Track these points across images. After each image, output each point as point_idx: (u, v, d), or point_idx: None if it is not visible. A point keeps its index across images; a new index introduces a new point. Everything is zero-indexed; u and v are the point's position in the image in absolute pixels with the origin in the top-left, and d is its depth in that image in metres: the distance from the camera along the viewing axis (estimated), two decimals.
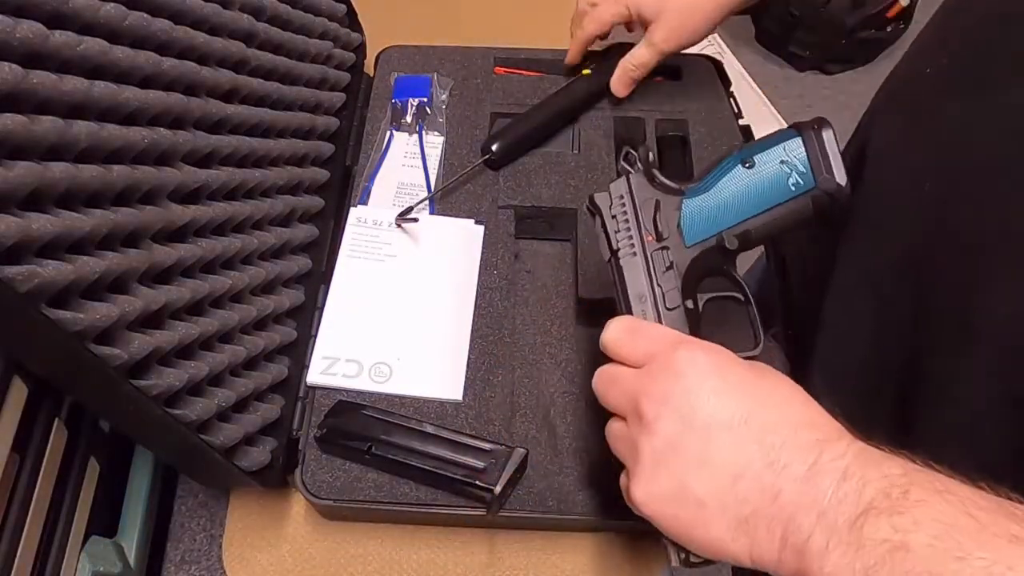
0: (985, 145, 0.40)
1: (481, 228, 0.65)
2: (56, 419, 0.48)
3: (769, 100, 1.65)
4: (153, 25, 0.47)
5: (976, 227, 0.40)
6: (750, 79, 1.67)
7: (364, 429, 0.54)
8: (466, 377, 0.58)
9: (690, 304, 0.45)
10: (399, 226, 0.65)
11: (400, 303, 0.61)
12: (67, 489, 0.49)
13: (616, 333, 0.41)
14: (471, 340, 0.60)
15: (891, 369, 0.47)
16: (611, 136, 0.71)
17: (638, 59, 0.67)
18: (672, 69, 0.76)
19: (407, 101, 0.72)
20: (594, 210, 0.48)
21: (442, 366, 0.58)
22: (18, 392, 0.45)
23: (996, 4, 0.42)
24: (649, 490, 0.36)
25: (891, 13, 1.78)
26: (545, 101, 0.70)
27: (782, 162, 0.47)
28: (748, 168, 0.47)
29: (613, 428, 0.41)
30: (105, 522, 0.53)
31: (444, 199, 0.67)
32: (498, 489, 0.50)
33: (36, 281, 0.36)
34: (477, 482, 0.51)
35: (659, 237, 0.46)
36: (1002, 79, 0.40)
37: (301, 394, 0.57)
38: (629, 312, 0.45)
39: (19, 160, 0.36)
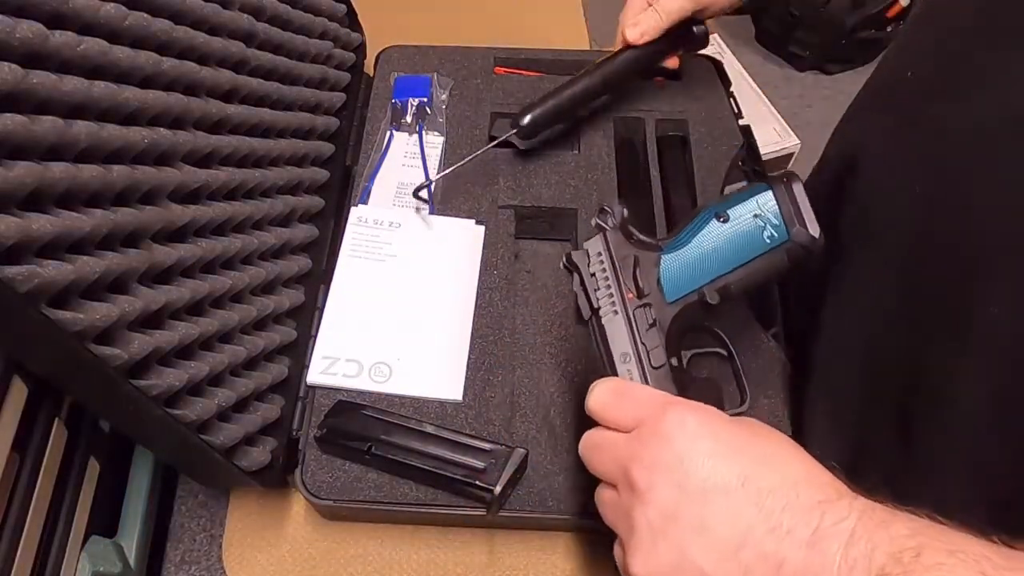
0: (971, 147, 0.40)
1: (481, 228, 0.65)
2: (56, 419, 0.48)
3: (769, 100, 1.65)
4: (153, 25, 0.47)
5: (966, 228, 0.40)
6: (750, 79, 1.67)
7: (364, 429, 0.54)
8: (466, 377, 0.58)
9: (675, 362, 0.44)
10: (416, 196, 0.65)
11: (400, 303, 0.61)
12: (67, 489, 0.49)
13: (602, 396, 0.40)
14: (471, 340, 0.60)
15: (888, 372, 0.47)
16: (611, 136, 0.71)
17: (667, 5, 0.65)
18: (672, 69, 0.76)
19: (407, 101, 0.72)
20: (572, 268, 0.48)
21: (442, 366, 0.58)
22: (18, 392, 0.45)
23: (981, 4, 0.42)
24: (648, 563, 0.35)
25: (891, 13, 1.78)
26: (575, 78, 0.67)
27: (755, 216, 0.47)
28: (723, 222, 0.47)
29: (603, 496, 0.40)
30: (105, 522, 0.53)
31: (444, 199, 0.67)
32: (498, 489, 0.50)
33: (36, 281, 0.36)
34: (477, 482, 0.51)
35: (640, 294, 0.45)
36: (984, 80, 0.40)
37: (301, 394, 0.57)
38: (614, 373, 0.44)
39: (19, 160, 0.36)
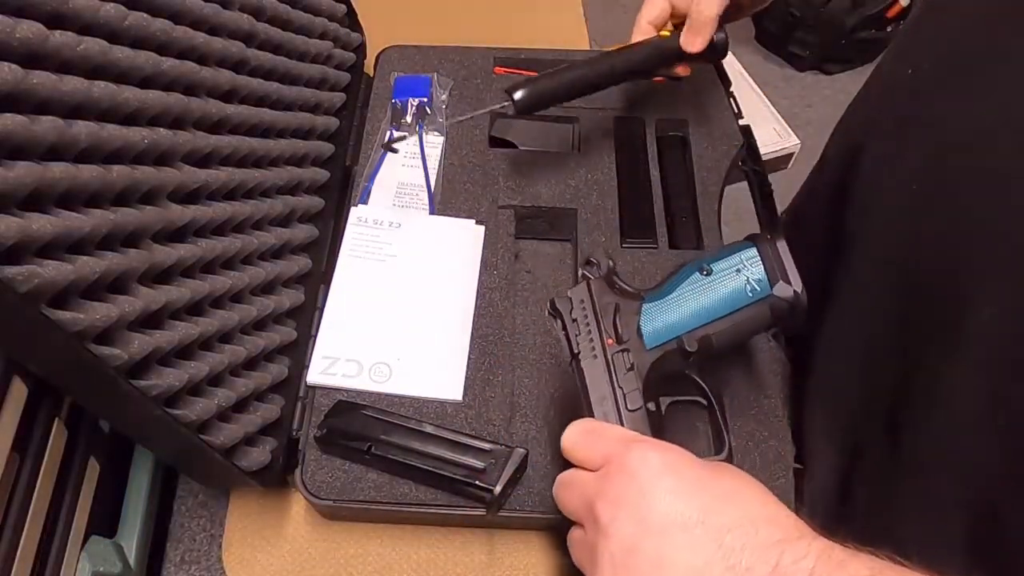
0: (971, 148, 0.40)
1: (481, 228, 0.65)
2: (56, 419, 0.48)
3: (769, 100, 1.65)
4: (153, 25, 0.47)
5: (964, 229, 0.40)
6: (750, 79, 1.67)
7: (364, 429, 0.54)
8: (466, 377, 0.58)
9: (652, 407, 0.46)
10: (389, 151, 0.65)
11: (400, 303, 0.61)
12: (67, 489, 0.49)
13: (573, 436, 0.41)
14: (471, 340, 0.60)
15: (884, 372, 0.47)
16: (611, 136, 0.71)
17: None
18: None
19: (407, 101, 0.72)
20: (555, 314, 0.49)
21: (442, 366, 0.58)
22: (18, 392, 0.45)
23: (982, 5, 0.42)
24: None
25: (891, 13, 1.79)
26: (586, 60, 0.63)
27: (738, 271, 0.49)
28: (706, 276, 0.49)
29: (573, 536, 0.40)
30: (105, 522, 0.53)
31: (444, 199, 0.67)
32: (498, 489, 0.50)
33: (36, 281, 0.36)
34: (477, 482, 0.51)
35: (619, 340, 0.47)
36: (983, 82, 0.40)
37: (301, 394, 0.57)
38: (592, 414, 0.45)
39: (19, 160, 0.36)
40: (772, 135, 1.59)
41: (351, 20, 0.77)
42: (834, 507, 0.52)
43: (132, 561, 0.52)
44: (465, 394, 0.57)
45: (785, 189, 0.73)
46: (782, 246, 0.49)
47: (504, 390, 0.58)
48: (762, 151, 0.72)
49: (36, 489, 0.46)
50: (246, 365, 0.54)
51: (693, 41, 0.60)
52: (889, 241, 0.47)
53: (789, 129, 1.60)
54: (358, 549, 0.56)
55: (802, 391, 0.57)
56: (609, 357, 0.46)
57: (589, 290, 0.48)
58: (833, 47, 1.84)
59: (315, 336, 0.59)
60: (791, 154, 1.61)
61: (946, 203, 0.41)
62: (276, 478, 0.54)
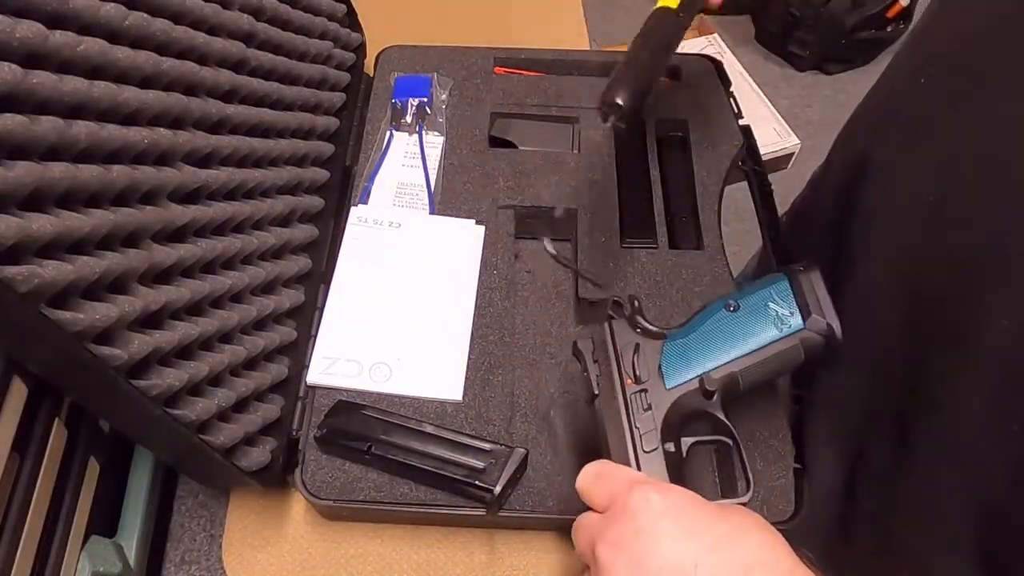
0: (980, 158, 0.40)
1: (481, 228, 0.65)
2: (56, 419, 0.48)
3: (769, 100, 1.65)
4: (153, 25, 0.47)
5: (971, 241, 0.40)
6: (750, 79, 1.67)
7: (364, 429, 0.54)
8: (466, 377, 0.58)
9: (671, 447, 0.45)
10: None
11: (400, 303, 0.61)
12: (67, 489, 0.49)
13: (586, 478, 0.40)
14: (471, 340, 0.60)
15: (890, 378, 0.47)
16: (611, 136, 0.71)
17: None
18: (672, 69, 0.76)
19: (407, 101, 0.72)
20: (577, 356, 0.49)
21: (442, 366, 0.58)
22: (18, 392, 0.45)
23: (991, 13, 0.42)
24: None
25: (891, 13, 1.79)
26: (645, 39, 0.52)
27: (767, 305, 0.47)
28: (732, 311, 0.48)
29: None
30: (105, 522, 0.53)
31: (444, 199, 0.67)
32: (498, 489, 0.50)
33: (36, 281, 0.36)
34: (477, 482, 0.51)
35: (638, 380, 0.46)
36: (996, 90, 0.40)
37: (301, 394, 0.57)
38: (609, 455, 0.45)
39: (19, 160, 0.36)
40: (772, 135, 1.59)
41: (351, 20, 0.77)
42: (837, 510, 0.52)
43: (132, 561, 0.52)
44: (465, 394, 0.57)
45: (785, 189, 0.73)
46: (816, 277, 0.47)
47: (504, 390, 0.58)
48: (762, 151, 0.73)
49: (36, 489, 0.46)
50: (246, 365, 0.54)
51: None
52: (898, 250, 0.47)
53: (789, 129, 1.60)
54: (358, 549, 0.56)
55: (803, 393, 0.57)
56: (627, 397, 0.46)
57: (611, 331, 0.48)
58: (833, 47, 1.84)
59: (315, 336, 0.59)
60: (791, 154, 1.61)
61: (959, 214, 0.41)
62: (276, 478, 0.53)
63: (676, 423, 0.46)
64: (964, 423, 0.41)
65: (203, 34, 0.52)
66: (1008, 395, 0.38)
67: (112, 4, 0.44)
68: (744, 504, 0.40)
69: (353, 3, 0.77)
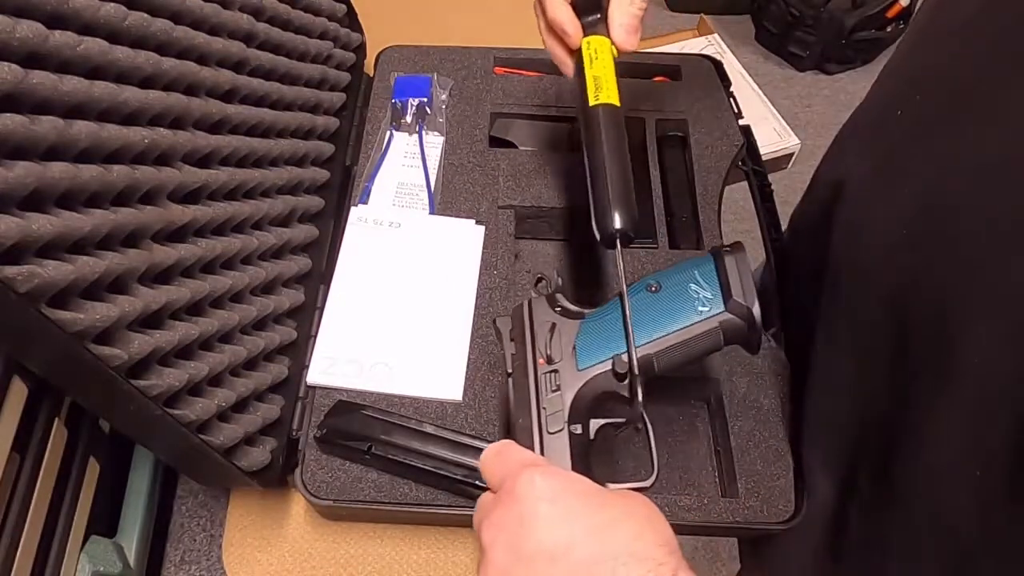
0: (966, 188, 0.39)
1: (481, 228, 0.65)
2: (56, 419, 0.48)
3: (769, 100, 1.65)
4: (153, 25, 0.47)
5: (953, 270, 0.39)
6: (750, 79, 1.67)
7: (364, 429, 0.54)
8: (466, 377, 0.58)
9: (578, 429, 0.43)
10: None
11: (400, 303, 0.61)
12: (67, 489, 0.49)
13: (487, 458, 0.40)
14: (471, 340, 0.60)
15: (875, 408, 0.47)
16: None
17: None
18: (672, 69, 0.76)
19: (407, 101, 0.72)
20: (497, 334, 0.49)
21: (442, 366, 0.58)
22: (18, 392, 0.45)
23: (960, 44, 0.41)
24: None
25: (891, 13, 1.78)
26: (612, 153, 0.50)
27: (690, 285, 0.46)
28: (653, 292, 0.46)
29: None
30: (105, 522, 0.53)
31: (444, 199, 0.67)
32: None
33: (36, 281, 0.36)
34: (477, 482, 0.51)
35: (550, 360, 0.45)
36: (973, 119, 0.39)
37: (301, 394, 0.57)
38: (513, 435, 0.44)
39: (19, 160, 0.36)
40: (772, 135, 1.59)
41: (351, 20, 0.77)
42: (828, 537, 0.52)
43: (132, 561, 0.52)
44: (465, 394, 0.57)
45: (785, 189, 0.73)
46: (741, 259, 0.46)
47: (504, 390, 0.58)
48: (762, 151, 0.73)
49: (36, 489, 0.46)
50: (246, 365, 0.54)
51: (627, 39, 0.51)
52: (880, 277, 0.46)
53: (789, 129, 1.60)
54: (358, 549, 0.56)
55: (801, 411, 0.56)
56: (538, 376, 0.45)
57: (529, 309, 0.47)
58: (833, 47, 1.84)
59: (315, 336, 0.59)
60: (791, 154, 1.61)
61: (938, 242, 0.40)
62: (276, 478, 0.53)
63: (586, 405, 0.45)
64: (938, 460, 0.40)
65: (203, 34, 0.52)
66: (980, 434, 0.37)
67: (112, 4, 0.44)
68: (646, 489, 0.39)
69: (353, 3, 0.77)
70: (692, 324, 0.45)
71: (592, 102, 0.49)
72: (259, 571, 0.55)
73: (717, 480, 0.57)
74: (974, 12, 0.40)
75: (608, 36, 0.51)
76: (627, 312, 0.44)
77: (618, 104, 0.50)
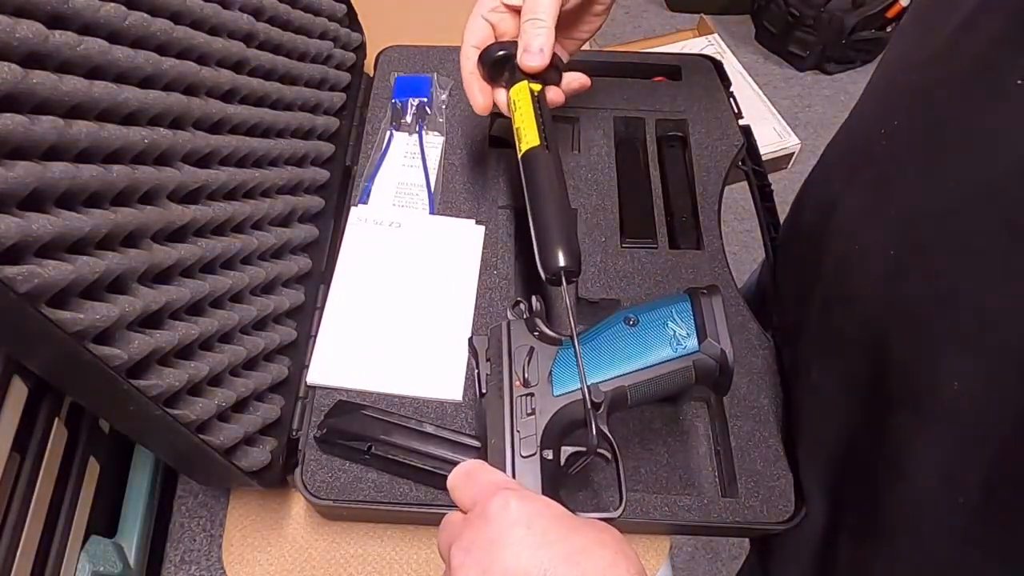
0: (943, 215, 0.38)
1: (481, 228, 0.65)
2: (56, 419, 0.48)
3: (769, 100, 1.65)
4: (153, 25, 0.47)
5: (932, 299, 0.39)
6: (750, 79, 1.67)
7: (364, 429, 0.54)
8: (466, 377, 0.58)
9: (549, 455, 0.44)
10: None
11: (400, 303, 0.61)
12: (67, 489, 0.49)
13: (456, 477, 0.39)
14: None
15: (860, 436, 0.47)
16: (611, 136, 0.71)
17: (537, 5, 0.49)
18: (672, 69, 0.76)
19: (407, 101, 0.72)
20: (471, 352, 0.49)
21: (442, 366, 0.58)
22: (18, 392, 0.45)
23: (935, 72, 0.41)
24: None
25: (891, 13, 1.79)
26: (544, 197, 0.49)
27: (666, 324, 0.47)
28: (631, 326, 0.47)
29: None
30: (105, 522, 0.53)
31: (444, 199, 0.67)
32: None
33: (36, 281, 0.36)
34: None
35: (526, 383, 0.45)
36: (949, 148, 0.38)
37: (301, 394, 0.57)
38: (486, 456, 0.44)
39: (19, 160, 0.36)
40: (772, 135, 1.59)
41: (351, 20, 0.77)
42: (818, 559, 0.51)
43: (132, 561, 0.52)
44: (465, 394, 0.57)
45: (785, 189, 0.73)
46: (716, 302, 0.47)
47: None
48: (762, 151, 0.73)
49: (36, 489, 0.46)
50: (246, 365, 0.54)
51: (524, 58, 0.50)
52: (864, 301, 0.46)
53: (789, 129, 1.61)
54: (358, 549, 0.56)
55: (796, 427, 0.56)
56: (513, 399, 0.45)
57: (508, 331, 0.47)
58: (833, 47, 1.84)
59: (315, 336, 0.59)
60: (791, 154, 1.61)
61: (919, 271, 0.40)
62: (276, 478, 0.53)
63: (558, 431, 0.45)
64: (916, 491, 0.40)
65: (203, 34, 0.52)
66: (957, 464, 0.37)
67: (112, 4, 0.44)
68: (613, 520, 0.39)
69: (353, 3, 0.77)
70: (666, 361, 0.46)
71: (520, 152, 0.50)
72: (259, 571, 0.55)
73: (717, 480, 0.57)
74: (947, 36, 0.39)
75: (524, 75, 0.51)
76: (577, 348, 0.45)
77: (538, 143, 0.50)
